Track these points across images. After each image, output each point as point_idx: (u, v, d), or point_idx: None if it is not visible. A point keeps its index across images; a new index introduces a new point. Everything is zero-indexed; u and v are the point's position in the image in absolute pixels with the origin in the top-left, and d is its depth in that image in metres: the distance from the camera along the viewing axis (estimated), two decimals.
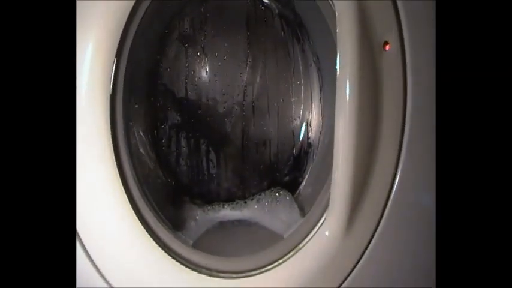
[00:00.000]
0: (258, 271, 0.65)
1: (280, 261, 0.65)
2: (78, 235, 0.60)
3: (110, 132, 0.60)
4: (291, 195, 0.85)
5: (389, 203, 0.62)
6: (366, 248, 0.62)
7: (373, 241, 0.62)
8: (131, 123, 0.73)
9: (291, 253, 0.65)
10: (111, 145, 0.61)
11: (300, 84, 0.88)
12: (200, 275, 0.64)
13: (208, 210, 0.84)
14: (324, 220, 0.63)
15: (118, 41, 0.60)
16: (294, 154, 0.90)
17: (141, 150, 0.80)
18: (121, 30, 0.60)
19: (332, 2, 0.60)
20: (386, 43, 0.59)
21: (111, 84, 0.61)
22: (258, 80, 0.88)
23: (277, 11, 0.86)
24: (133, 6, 0.61)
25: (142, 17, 0.64)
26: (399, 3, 0.59)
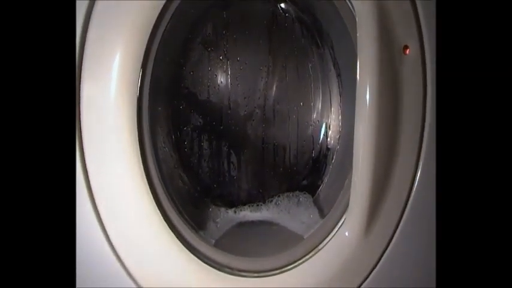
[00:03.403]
0: (279, 271, 0.66)
1: (301, 261, 0.65)
2: (106, 232, 0.61)
3: (137, 133, 0.61)
4: (310, 197, 0.85)
5: (409, 204, 0.62)
6: (385, 249, 0.63)
7: (393, 241, 0.63)
8: (155, 125, 0.74)
9: (311, 253, 0.65)
10: (138, 148, 0.61)
11: (319, 88, 0.88)
12: (222, 273, 0.65)
13: (229, 211, 0.85)
14: (343, 221, 0.64)
15: (145, 46, 0.61)
16: (313, 157, 0.90)
17: (165, 151, 0.81)
18: (148, 36, 0.61)
19: (352, 6, 0.61)
20: (406, 47, 0.60)
21: (138, 87, 0.61)
22: (278, 84, 0.88)
23: (294, 15, 0.86)
24: (159, 13, 0.61)
25: (168, 23, 0.65)
26: (419, 7, 0.60)
